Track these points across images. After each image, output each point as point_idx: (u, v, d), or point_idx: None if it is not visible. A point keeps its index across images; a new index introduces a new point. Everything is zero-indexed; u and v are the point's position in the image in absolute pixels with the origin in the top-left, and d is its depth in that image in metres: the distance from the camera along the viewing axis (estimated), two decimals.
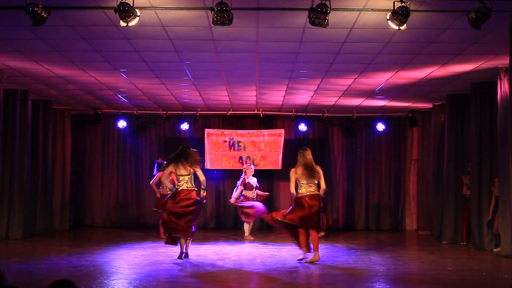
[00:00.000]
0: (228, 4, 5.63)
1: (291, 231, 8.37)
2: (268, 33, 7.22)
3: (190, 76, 9.79)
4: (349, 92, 11.13)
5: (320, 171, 8.24)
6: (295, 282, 6.80)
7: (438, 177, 11.83)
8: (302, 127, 13.71)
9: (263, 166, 13.40)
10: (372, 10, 6.16)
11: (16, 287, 3.43)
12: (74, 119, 13.98)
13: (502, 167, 8.71)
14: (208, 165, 13.35)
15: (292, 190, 8.25)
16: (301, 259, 8.19)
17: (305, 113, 13.66)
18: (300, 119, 13.74)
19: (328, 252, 9.35)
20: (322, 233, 10.80)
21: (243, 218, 11.37)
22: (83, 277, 6.72)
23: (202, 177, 8.30)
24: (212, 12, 5.71)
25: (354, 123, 14.18)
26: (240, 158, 13.58)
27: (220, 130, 13.79)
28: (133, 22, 5.88)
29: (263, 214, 10.30)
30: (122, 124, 13.78)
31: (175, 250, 9.17)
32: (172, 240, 8.31)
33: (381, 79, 9.84)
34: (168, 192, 9.20)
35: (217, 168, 13.60)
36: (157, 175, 11.38)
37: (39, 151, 12.00)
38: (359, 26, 6.83)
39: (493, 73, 8.89)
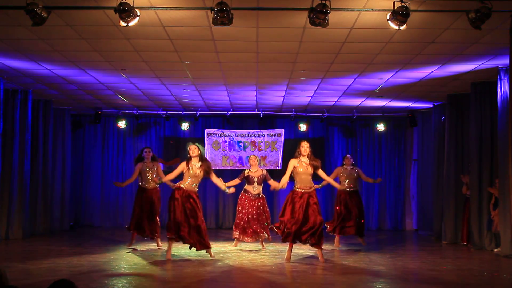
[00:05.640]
0: (228, 4, 5.63)
1: None
2: (268, 33, 7.22)
3: (190, 76, 9.80)
4: (349, 92, 11.13)
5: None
6: (295, 282, 6.79)
7: (438, 177, 11.83)
8: (302, 127, 13.72)
9: (263, 166, 13.40)
10: (372, 10, 6.16)
11: (16, 287, 3.43)
12: (74, 119, 14.01)
13: (502, 167, 8.70)
14: None
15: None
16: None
17: (305, 113, 13.66)
18: (300, 119, 13.74)
19: (328, 252, 9.34)
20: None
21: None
22: (83, 277, 6.72)
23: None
24: (212, 12, 5.70)
25: (354, 123, 14.21)
26: (240, 158, 13.59)
27: (220, 130, 13.80)
28: (133, 22, 5.88)
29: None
30: (122, 124, 13.80)
31: (175, 250, 9.16)
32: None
33: (381, 79, 9.84)
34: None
35: (217, 168, 13.60)
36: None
37: (39, 151, 11.99)
38: (359, 26, 6.83)
39: (493, 73, 8.89)
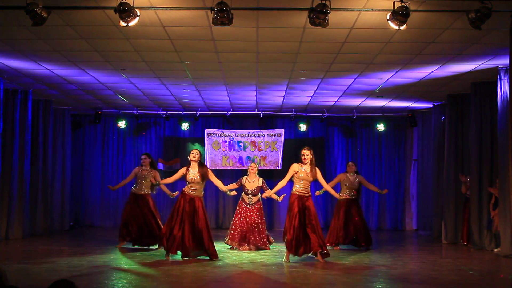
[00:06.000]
0: (228, 4, 5.64)
1: None
2: (268, 33, 7.22)
3: (190, 76, 9.80)
4: (349, 92, 11.13)
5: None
6: (295, 282, 6.79)
7: (438, 177, 11.84)
8: (302, 127, 13.73)
9: (263, 166, 13.41)
10: (372, 10, 6.17)
11: (16, 287, 3.43)
12: (74, 119, 14.01)
13: (502, 167, 8.70)
14: (208, 165, 13.35)
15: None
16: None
17: (305, 113, 13.66)
18: (300, 119, 13.75)
19: None
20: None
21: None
22: (83, 277, 6.72)
23: None
24: (212, 12, 5.71)
25: (354, 123, 14.21)
26: (240, 158, 13.59)
27: (220, 130, 13.80)
28: (133, 22, 5.89)
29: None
30: (122, 124, 13.80)
31: None
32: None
33: (381, 79, 9.84)
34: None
35: (217, 168, 13.60)
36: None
37: (39, 151, 11.99)
38: (359, 26, 6.83)
39: (493, 73, 8.88)
